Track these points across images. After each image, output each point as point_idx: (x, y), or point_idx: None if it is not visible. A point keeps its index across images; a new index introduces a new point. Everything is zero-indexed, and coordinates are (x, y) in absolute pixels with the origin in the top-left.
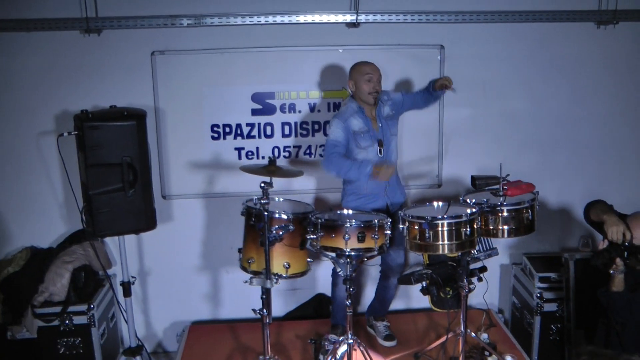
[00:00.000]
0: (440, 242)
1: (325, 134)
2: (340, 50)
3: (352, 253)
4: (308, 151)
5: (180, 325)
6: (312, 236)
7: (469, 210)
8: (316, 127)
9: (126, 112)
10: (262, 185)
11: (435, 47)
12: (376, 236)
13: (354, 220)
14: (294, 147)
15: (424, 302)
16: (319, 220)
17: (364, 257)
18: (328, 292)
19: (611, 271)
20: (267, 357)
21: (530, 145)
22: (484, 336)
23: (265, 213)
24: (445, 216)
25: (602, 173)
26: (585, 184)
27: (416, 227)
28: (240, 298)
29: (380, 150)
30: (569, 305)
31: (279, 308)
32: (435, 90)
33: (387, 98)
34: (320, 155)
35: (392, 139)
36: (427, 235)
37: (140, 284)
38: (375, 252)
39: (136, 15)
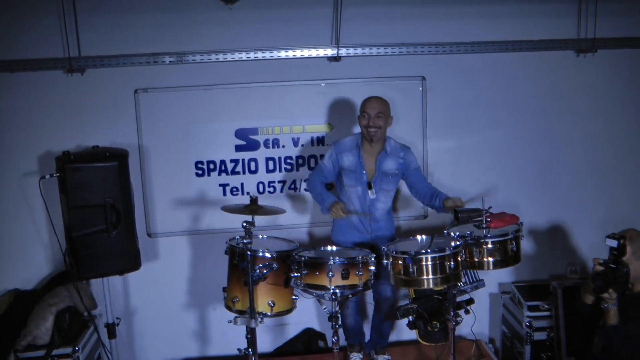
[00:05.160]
0: (425, 277)
1: (310, 168)
2: (323, 85)
3: (337, 290)
4: (293, 186)
5: None
6: (296, 274)
7: (452, 244)
8: (300, 161)
9: (108, 152)
10: (245, 224)
11: (417, 78)
12: (360, 273)
13: (337, 258)
14: (279, 182)
15: (413, 334)
16: (303, 259)
17: (349, 294)
18: (316, 327)
19: (604, 306)
20: None
21: (514, 173)
22: None
23: (249, 253)
24: (428, 250)
25: (587, 197)
26: (570, 209)
27: (400, 262)
28: (228, 334)
29: (367, 199)
30: (559, 333)
31: (267, 344)
32: (444, 209)
33: (402, 155)
34: (305, 190)
35: (382, 194)
36: (411, 270)
37: (126, 324)
38: (360, 289)
39: (119, 54)
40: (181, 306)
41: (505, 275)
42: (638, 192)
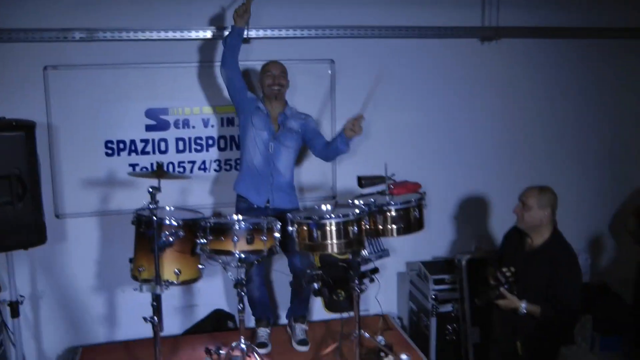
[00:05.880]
0: (329, 241)
1: (220, 149)
2: None
3: (242, 255)
4: (203, 166)
5: (76, 350)
6: (201, 240)
7: (356, 210)
8: (210, 142)
9: (15, 122)
10: (150, 189)
11: (326, 61)
12: (265, 238)
13: (242, 223)
14: (189, 162)
15: (323, 314)
16: (208, 224)
17: (254, 260)
18: (226, 308)
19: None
20: None
21: (421, 155)
22: (380, 338)
23: (154, 218)
24: (332, 215)
25: (491, 181)
26: (479, 187)
27: (305, 227)
28: (137, 318)
29: (271, 147)
30: (463, 305)
31: (175, 327)
32: (345, 140)
33: (303, 117)
34: (215, 170)
35: (284, 150)
36: (315, 235)
37: (32, 308)
38: (265, 254)
39: (27, 28)
40: (89, 290)
41: (413, 255)
42: (538, 168)
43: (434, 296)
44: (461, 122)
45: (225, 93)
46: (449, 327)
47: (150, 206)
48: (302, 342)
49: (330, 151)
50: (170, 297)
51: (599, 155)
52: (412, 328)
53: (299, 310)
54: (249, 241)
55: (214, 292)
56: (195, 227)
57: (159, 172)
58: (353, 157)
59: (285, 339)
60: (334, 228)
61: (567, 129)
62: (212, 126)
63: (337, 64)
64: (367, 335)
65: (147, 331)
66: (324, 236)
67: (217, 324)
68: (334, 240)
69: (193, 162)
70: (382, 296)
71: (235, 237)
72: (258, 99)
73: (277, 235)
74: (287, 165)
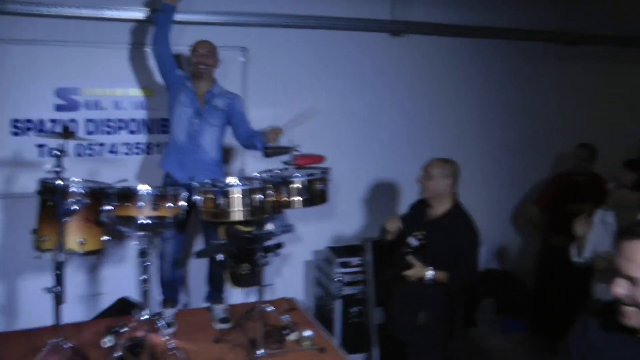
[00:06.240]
0: (233, 209)
1: (131, 132)
2: (147, 50)
3: (147, 221)
4: (113, 149)
5: None
6: (107, 207)
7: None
8: (121, 124)
9: None
10: (56, 152)
11: (238, 48)
12: (171, 205)
13: (148, 189)
14: (99, 144)
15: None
16: (114, 190)
17: (160, 227)
18: (132, 296)
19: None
20: (59, 339)
21: (333, 144)
22: (285, 316)
23: (60, 182)
24: (237, 183)
25: (399, 169)
26: (383, 178)
27: (210, 195)
28: (39, 306)
29: (195, 124)
30: (368, 286)
31: (79, 316)
32: (265, 145)
33: (230, 97)
34: (125, 154)
35: (208, 127)
36: (220, 202)
37: None
38: (171, 221)
39: None
40: None
41: (322, 243)
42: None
43: (339, 278)
44: (370, 113)
45: (137, 76)
46: (354, 309)
47: (56, 169)
48: (223, 320)
49: (249, 144)
50: (75, 286)
51: (503, 149)
52: (318, 312)
53: (215, 292)
54: (155, 208)
55: (119, 280)
56: (101, 196)
57: (66, 133)
58: None
59: (197, 320)
60: (239, 196)
61: (472, 124)
62: (124, 109)
63: (251, 52)
64: (271, 308)
65: (48, 320)
66: (228, 204)
67: (122, 313)
68: (239, 208)
69: (103, 145)
70: (289, 284)
71: (141, 203)
72: (187, 76)
73: (182, 203)
74: (212, 143)
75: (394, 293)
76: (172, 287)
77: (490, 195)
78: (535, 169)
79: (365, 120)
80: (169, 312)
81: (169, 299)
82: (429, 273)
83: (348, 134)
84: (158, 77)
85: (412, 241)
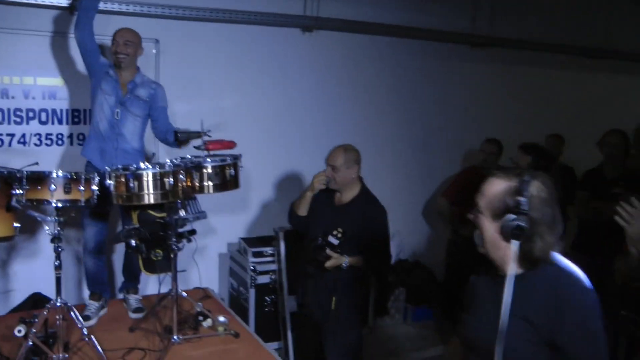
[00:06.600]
0: (145, 192)
1: (41, 122)
2: (70, 37)
3: (59, 204)
4: (22, 140)
5: None
6: (17, 191)
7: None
8: (31, 114)
9: None
10: None
11: (151, 40)
12: (82, 189)
13: (60, 172)
14: (7, 135)
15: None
16: (24, 173)
17: (72, 210)
18: (44, 291)
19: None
20: None
21: (245, 137)
22: (199, 304)
23: None
24: (148, 166)
25: (309, 161)
26: (294, 170)
27: (122, 179)
28: None
29: (117, 113)
30: (281, 275)
31: None
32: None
33: (154, 87)
34: (35, 145)
35: (130, 117)
36: (131, 185)
37: None
38: (82, 204)
39: None
40: None
41: (236, 236)
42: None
43: (252, 267)
44: (281, 107)
45: (49, 65)
46: (268, 298)
47: None
48: (137, 310)
49: (164, 139)
50: None
51: (415, 145)
52: (233, 302)
53: (130, 282)
54: (67, 191)
55: (31, 276)
56: (11, 180)
57: None
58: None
59: (113, 311)
60: (150, 179)
61: (383, 120)
62: (34, 98)
63: (162, 44)
64: (184, 294)
65: None
66: (140, 187)
67: (36, 308)
68: (150, 191)
69: (12, 135)
70: (203, 276)
71: (53, 186)
72: (110, 65)
73: (95, 188)
74: (134, 132)
75: (308, 279)
76: (97, 280)
77: (403, 188)
78: (446, 164)
79: (276, 114)
80: (92, 305)
81: (94, 292)
82: (345, 260)
83: (259, 127)
84: (78, 67)
85: (333, 240)
